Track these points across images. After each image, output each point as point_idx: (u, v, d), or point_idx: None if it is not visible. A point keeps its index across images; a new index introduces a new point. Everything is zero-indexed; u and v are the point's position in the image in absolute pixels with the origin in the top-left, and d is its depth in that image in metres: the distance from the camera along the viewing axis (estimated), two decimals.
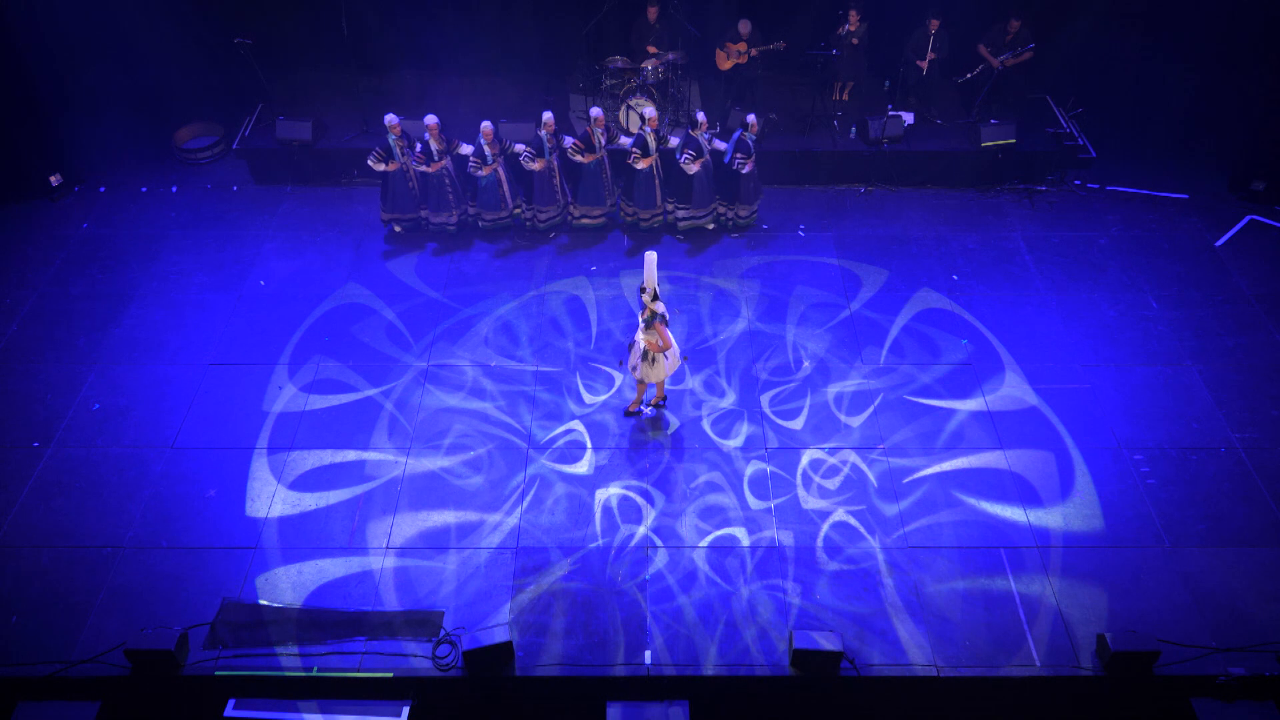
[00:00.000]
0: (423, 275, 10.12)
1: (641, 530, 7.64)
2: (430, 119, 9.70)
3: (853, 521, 7.71)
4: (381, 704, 6.66)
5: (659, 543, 7.55)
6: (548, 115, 9.85)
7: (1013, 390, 8.80)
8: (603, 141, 10.05)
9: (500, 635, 6.59)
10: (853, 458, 8.21)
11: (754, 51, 11.10)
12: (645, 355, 7.85)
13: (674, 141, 10.10)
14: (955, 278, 10.11)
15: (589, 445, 8.32)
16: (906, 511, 7.78)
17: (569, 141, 10.03)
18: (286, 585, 7.22)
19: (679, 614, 7.06)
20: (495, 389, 8.82)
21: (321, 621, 6.97)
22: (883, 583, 7.27)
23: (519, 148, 9.99)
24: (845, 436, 8.40)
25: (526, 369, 9.02)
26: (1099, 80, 11.88)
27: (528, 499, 7.87)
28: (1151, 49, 11.58)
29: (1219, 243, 10.55)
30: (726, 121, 11.39)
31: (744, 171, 10.01)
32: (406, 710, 6.63)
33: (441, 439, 8.34)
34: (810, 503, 7.85)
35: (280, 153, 11.28)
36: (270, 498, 7.85)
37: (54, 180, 11.04)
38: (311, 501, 7.84)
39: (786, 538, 7.58)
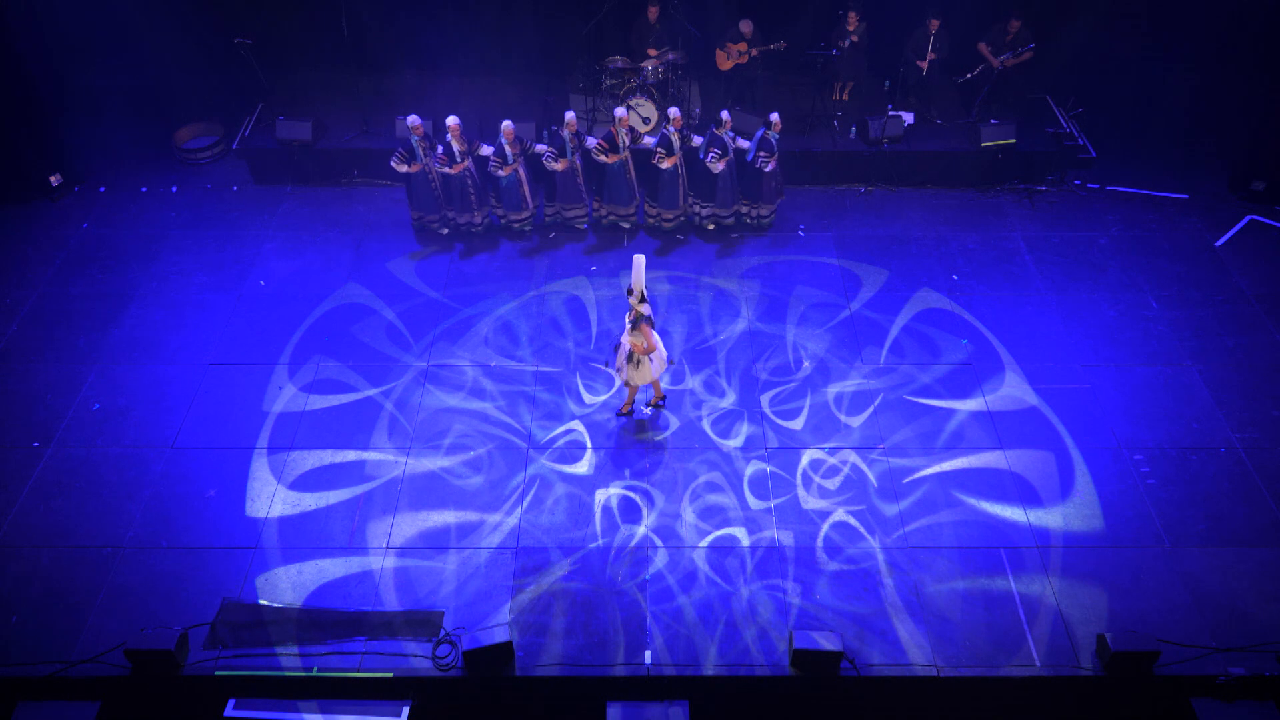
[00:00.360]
0: (423, 275, 10.12)
1: (641, 530, 7.64)
2: (452, 120, 9.71)
3: (853, 521, 7.71)
4: (381, 704, 6.66)
5: (659, 543, 7.55)
6: (570, 115, 9.87)
7: (1013, 390, 8.80)
8: (627, 141, 10.06)
9: (500, 635, 6.59)
10: (853, 458, 8.21)
11: (754, 52, 11.10)
12: (630, 358, 7.85)
13: (697, 141, 10.12)
14: (955, 278, 10.11)
15: (589, 445, 8.32)
16: (906, 511, 7.78)
17: (592, 142, 10.05)
18: (286, 585, 7.22)
19: (679, 614, 7.06)
20: (495, 389, 8.82)
21: (321, 621, 6.97)
22: (883, 583, 7.27)
23: (540, 148, 10.03)
24: (845, 436, 8.40)
25: (526, 369, 9.02)
26: (1099, 80, 11.88)
27: (528, 499, 7.87)
28: (1152, 49, 11.59)
29: (1219, 243, 10.55)
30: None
31: (766, 170, 10.04)
32: (406, 710, 6.63)
33: (441, 439, 8.34)
34: (810, 503, 7.85)
35: (280, 153, 11.28)
36: (270, 498, 7.85)
37: (54, 180, 11.04)
38: (311, 501, 7.84)
39: (786, 538, 7.58)
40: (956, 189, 11.44)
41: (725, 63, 11.37)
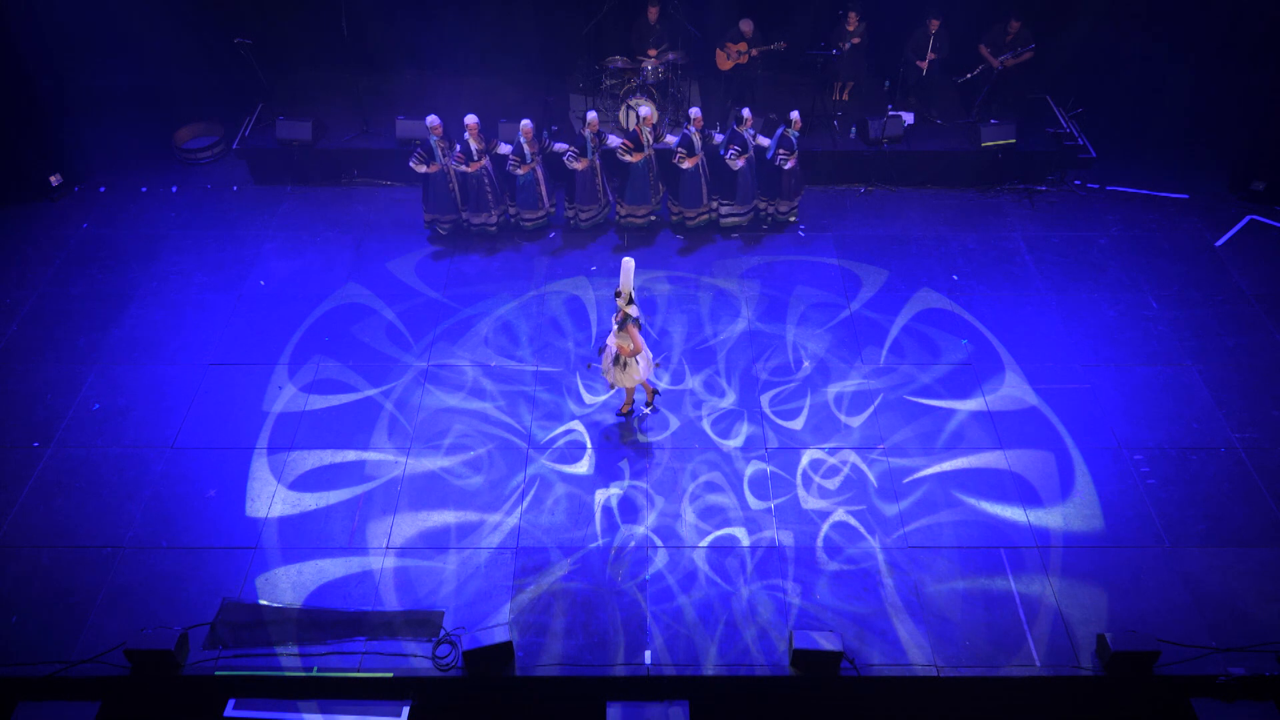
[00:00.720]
0: (423, 275, 10.12)
1: (641, 530, 7.64)
2: (470, 119, 9.72)
3: (853, 521, 7.71)
4: (381, 704, 6.66)
5: (659, 543, 7.55)
6: (592, 115, 9.90)
7: (1013, 390, 8.80)
8: (650, 140, 10.05)
9: (500, 635, 6.59)
10: (853, 458, 8.21)
11: (755, 52, 11.10)
12: (616, 359, 7.85)
13: (718, 139, 10.13)
14: (955, 278, 10.11)
15: (589, 445, 8.32)
16: (906, 511, 7.78)
17: (616, 141, 10.07)
18: (286, 585, 7.22)
19: (679, 614, 7.06)
20: (495, 389, 8.82)
21: (321, 621, 6.97)
22: (883, 583, 7.27)
23: (560, 146, 10.04)
24: (845, 436, 8.40)
25: (526, 369, 9.02)
26: (1099, 80, 11.88)
27: (528, 499, 7.87)
28: (1152, 49, 11.58)
29: (1219, 243, 10.55)
30: (727, 121, 11.39)
31: (786, 167, 10.08)
32: (406, 710, 6.63)
33: (441, 439, 8.34)
34: (810, 503, 7.85)
35: (280, 153, 11.28)
36: (270, 498, 7.85)
37: (54, 180, 11.04)
38: (311, 501, 7.84)
39: (786, 538, 7.58)
40: (956, 189, 11.44)
41: (725, 63, 11.37)
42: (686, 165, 10.03)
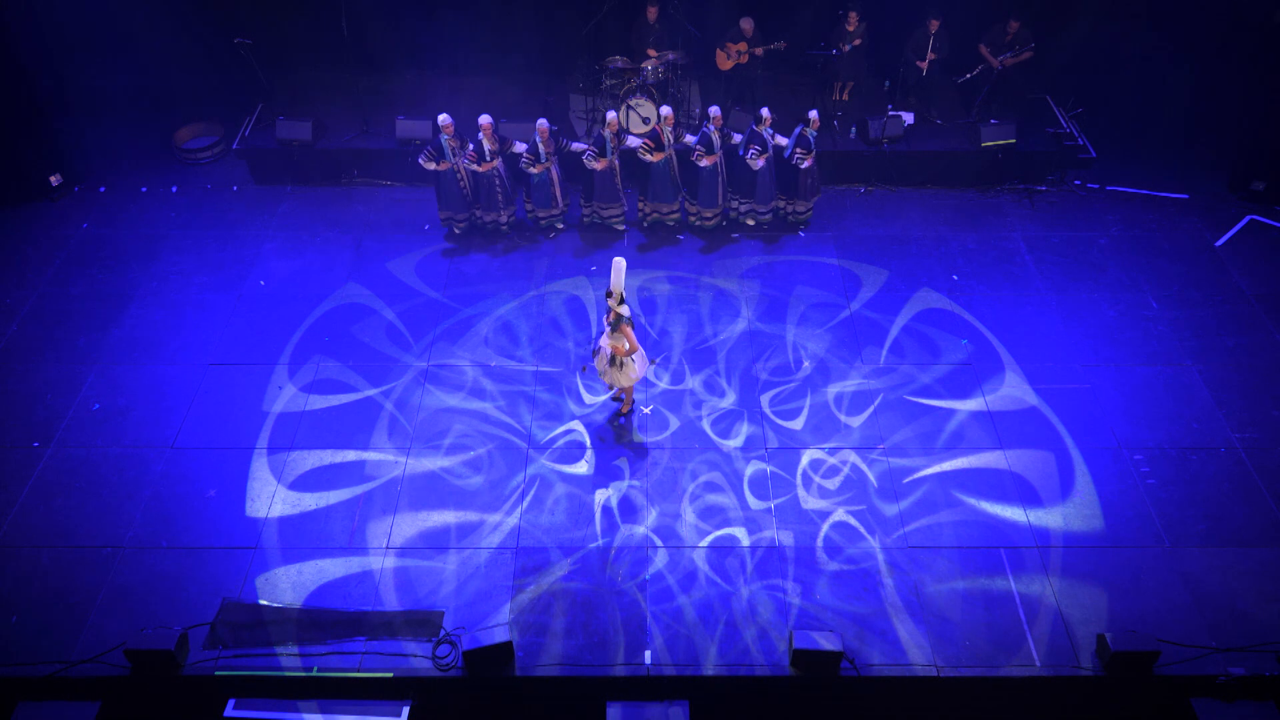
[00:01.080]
0: (423, 275, 10.12)
1: (641, 530, 7.64)
2: (484, 118, 9.72)
3: (853, 521, 7.71)
4: (381, 704, 6.66)
5: (659, 543, 7.55)
6: (612, 115, 9.90)
7: (1013, 390, 8.80)
8: (671, 140, 10.07)
9: (500, 635, 6.59)
10: (853, 458, 8.21)
11: (758, 50, 11.10)
12: (613, 360, 7.85)
13: (737, 138, 10.14)
14: (955, 278, 10.11)
15: (589, 445, 8.32)
16: (906, 511, 7.78)
17: (636, 142, 10.09)
18: (286, 585, 7.22)
19: (679, 614, 7.06)
20: (495, 389, 8.82)
21: (321, 621, 6.97)
22: (883, 583, 7.27)
23: (578, 146, 10.06)
24: (845, 436, 8.40)
25: (526, 369, 9.02)
26: (1099, 80, 11.88)
27: (528, 499, 7.87)
28: (1152, 49, 11.58)
29: (1219, 243, 10.55)
30: (727, 121, 11.38)
31: (803, 167, 10.08)
32: (406, 710, 6.63)
33: (441, 439, 8.34)
34: (810, 503, 7.85)
35: (280, 153, 11.28)
36: (270, 498, 7.85)
37: (54, 180, 11.03)
38: (311, 501, 7.84)
39: (786, 538, 7.58)
40: (956, 189, 11.44)
41: (725, 63, 11.37)
42: (705, 163, 10.03)
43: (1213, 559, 7.42)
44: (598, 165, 10.01)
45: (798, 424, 8.51)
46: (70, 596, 7.12)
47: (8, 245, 10.42)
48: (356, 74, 11.44)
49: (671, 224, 10.75)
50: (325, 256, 10.38)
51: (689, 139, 10.18)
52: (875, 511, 7.78)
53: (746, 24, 11.01)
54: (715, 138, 9.97)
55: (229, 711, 6.62)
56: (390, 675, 6.69)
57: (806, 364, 9.09)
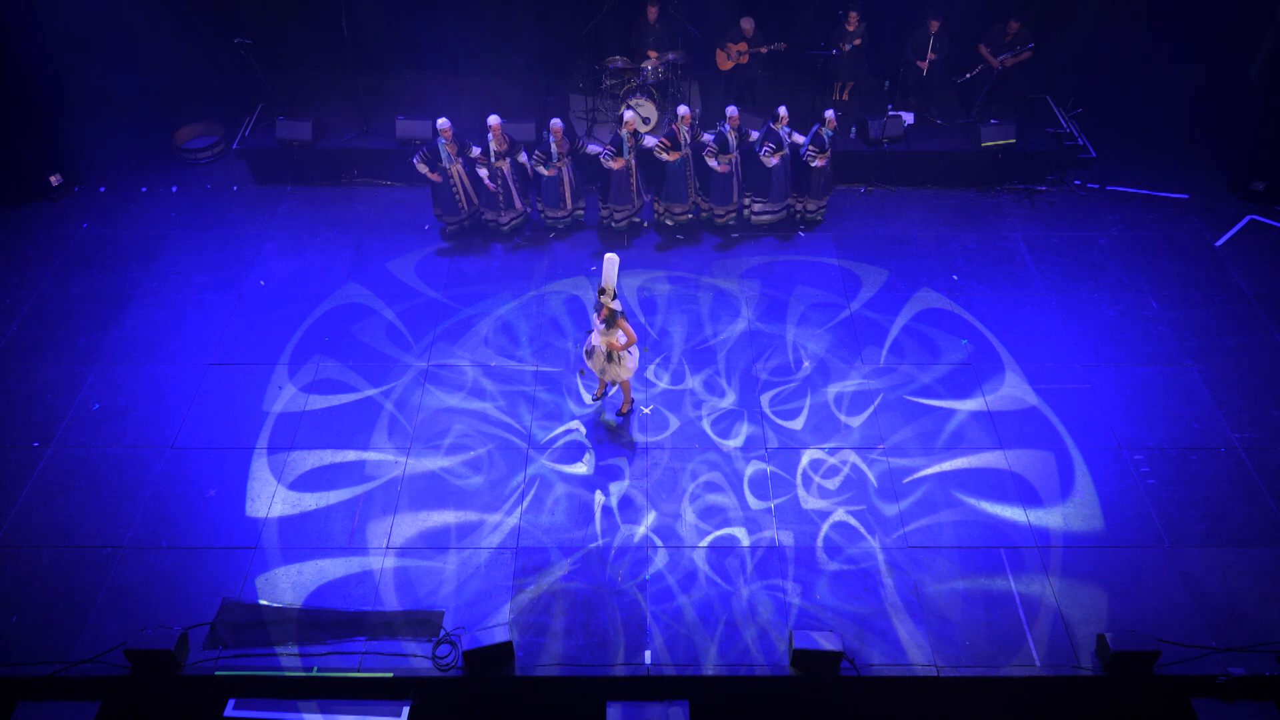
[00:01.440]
0: (423, 275, 10.12)
1: (641, 530, 7.64)
2: (494, 119, 9.73)
3: (853, 521, 7.71)
4: (381, 704, 6.66)
5: (659, 543, 7.55)
6: (629, 115, 9.89)
7: (1013, 390, 8.80)
8: (688, 139, 10.08)
9: (500, 635, 6.59)
10: (853, 458, 8.21)
11: (762, 49, 11.10)
12: (610, 355, 7.86)
13: (754, 136, 10.15)
14: (955, 278, 10.11)
15: (589, 445, 8.32)
16: (906, 511, 7.77)
17: (653, 141, 10.10)
18: (286, 585, 7.22)
19: (679, 614, 7.06)
20: (495, 389, 8.82)
21: (321, 621, 6.97)
22: (883, 583, 7.27)
23: (594, 148, 10.08)
24: (845, 436, 8.39)
25: (526, 369, 9.02)
26: (1099, 80, 11.88)
27: (528, 499, 7.86)
28: (1152, 49, 11.58)
29: (1219, 243, 10.55)
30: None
31: (814, 165, 10.10)
32: (406, 710, 6.63)
33: (441, 439, 8.34)
34: (810, 503, 7.85)
35: (280, 153, 11.28)
36: (270, 498, 7.85)
37: (54, 180, 11.04)
38: (311, 501, 7.84)
39: (786, 538, 7.58)
40: (956, 189, 11.44)
41: (725, 63, 11.38)
42: (716, 164, 10.05)
43: (1213, 559, 7.42)
44: (615, 165, 10.02)
45: (798, 424, 8.51)
46: (70, 596, 7.12)
47: (8, 245, 10.42)
48: (356, 74, 11.44)
49: (682, 223, 10.74)
50: (325, 256, 10.38)
51: (706, 137, 10.17)
52: (875, 511, 7.78)
53: (747, 24, 11.01)
54: (731, 137, 9.98)
55: (229, 711, 6.62)
56: (390, 675, 6.69)
57: (806, 364, 9.09)
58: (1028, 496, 7.89)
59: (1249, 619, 7.02)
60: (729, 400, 8.73)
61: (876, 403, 8.68)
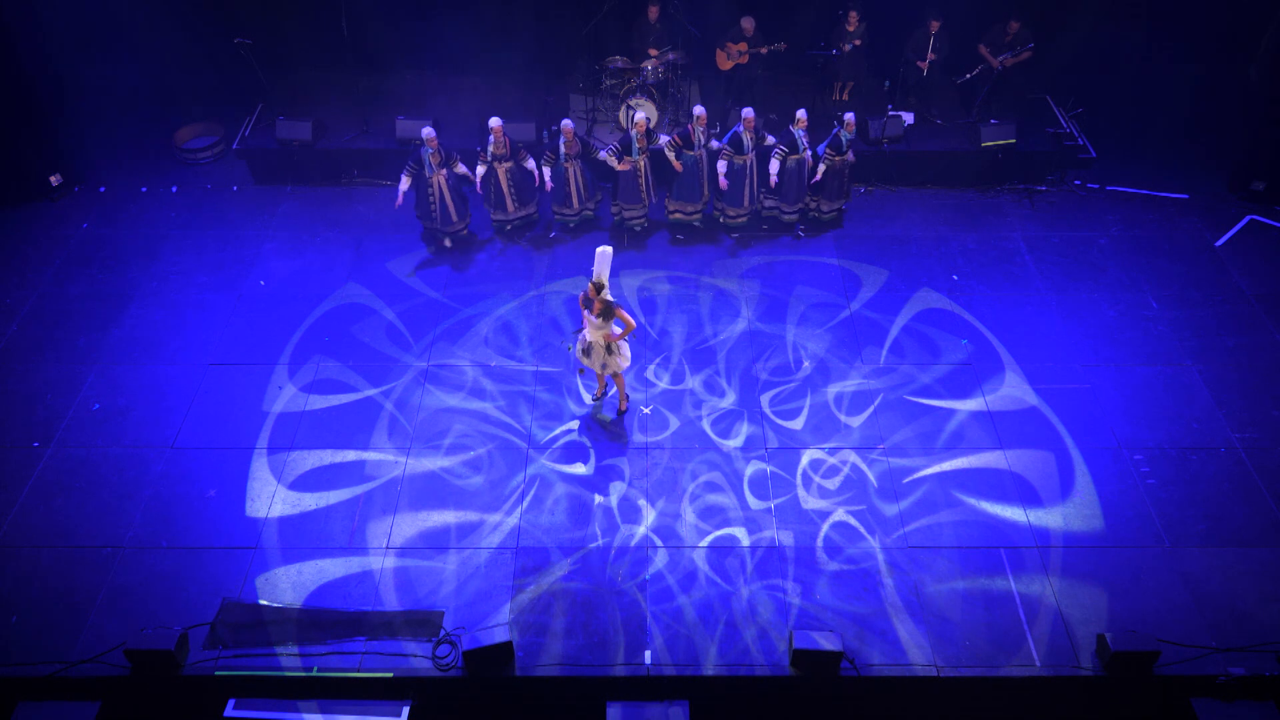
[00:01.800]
0: (423, 275, 10.12)
1: (641, 530, 7.64)
2: (495, 121, 9.74)
3: (853, 521, 7.71)
4: (381, 704, 6.66)
5: (659, 543, 7.55)
6: (640, 116, 9.88)
7: (1013, 390, 8.80)
8: (703, 140, 10.08)
9: (500, 635, 6.58)
10: (853, 458, 8.21)
11: (763, 50, 11.10)
12: (609, 348, 7.87)
13: (771, 140, 10.17)
14: (955, 278, 10.11)
15: (589, 445, 8.32)
16: (906, 511, 7.77)
17: (665, 140, 10.13)
18: (286, 585, 7.22)
19: (679, 614, 7.06)
20: (495, 389, 8.82)
21: (321, 621, 6.97)
22: (883, 583, 7.27)
23: (604, 155, 10.08)
24: (845, 436, 8.40)
25: (526, 369, 9.02)
26: (1099, 80, 11.88)
27: (528, 499, 7.86)
28: (1152, 49, 11.59)
29: (1219, 243, 10.55)
30: (726, 121, 11.39)
31: (821, 168, 10.13)
32: (406, 710, 6.63)
33: (441, 439, 8.34)
34: (810, 503, 7.85)
35: (280, 153, 11.28)
36: (270, 498, 7.85)
37: (54, 180, 11.03)
38: (311, 501, 7.84)
39: (786, 538, 7.58)
40: (956, 189, 11.44)
41: (725, 63, 11.37)
42: (733, 165, 10.07)
43: (1213, 559, 7.42)
44: (621, 166, 10.05)
45: (798, 424, 8.51)
46: (70, 596, 7.12)
47: (8, 245, 10.42)
48: (356, 74, 11.45)
49: (694, 224, 10.74)
50: (325, 256, 10.38)
51: (715, 145, 10.15)
52: (875, 511, 7.78)
53: (747, 24, 11.00)
54: (746, 139, 9.97)
55: (229, 711, 6.62)
56: (390, 675, 6.69)
57: (806, 364, 9.09)
58: (1028, 496, 7.89)
59: (1249, 619, 7.02)
60: (729, 400, 8.73)
61: (876, 403, 8.68)
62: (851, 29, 11.09)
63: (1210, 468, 8.10)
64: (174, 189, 11.35)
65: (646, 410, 8.62)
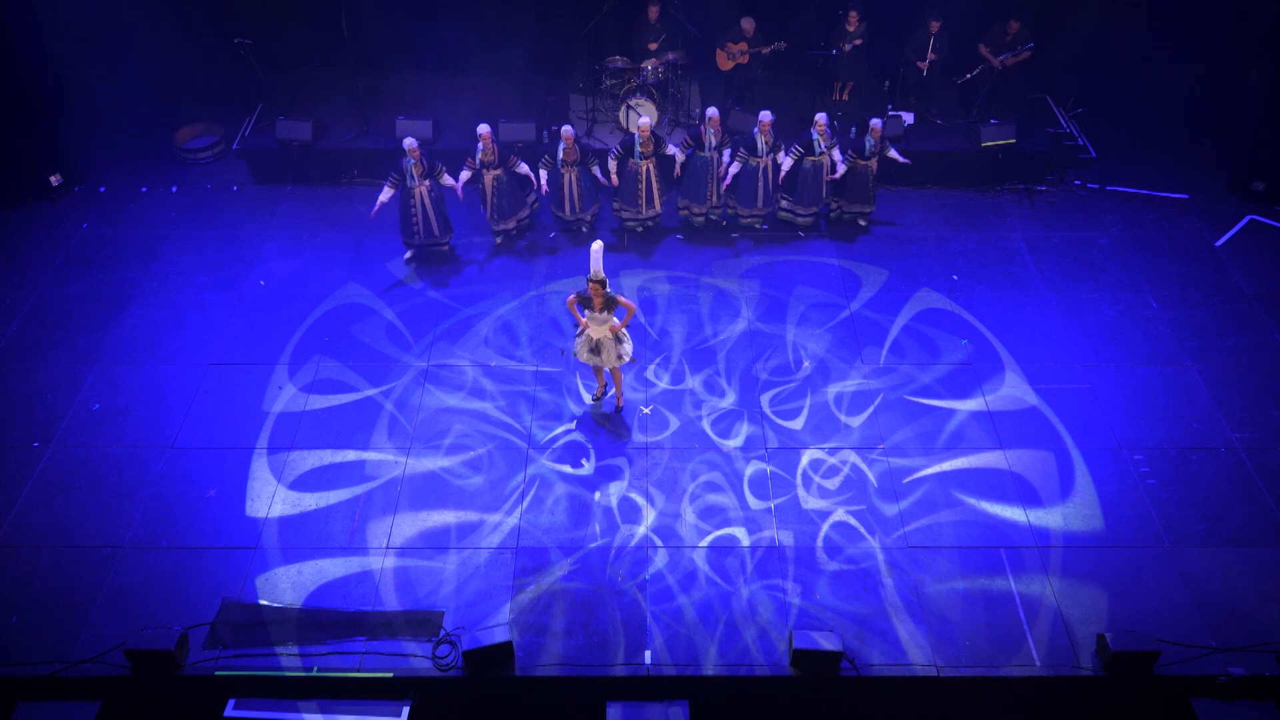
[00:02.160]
0: (423, 275, 10.12)
1: (641, 530, 7.64)
2: (483, 128, 9.68)
3: (853, 521, 7.71)
4: (381, 704, 6.66)
5: (659, 543, 7.55)
6: (644, 120, 9.85)
7: (1013, 390, 8.80)
8: (714, 142, 10.08)
9: (500, 635, 6.58)
10: (853, 458, 8.21)
11: (763, 50, 11.10)
12: (618, 338, 7.91)
13: (782, 156, 10.18)
14: (955, 278, 10.11)
15: (589, 445, 8.32)
16: (906, 511, 7.77)
17: (674, 149, 10.17)
18: (286, 585, 7.22)
19: (679, 614, 7.06)
20: (495, 389, 8.82)
21: (321, 621, 6.97)
22: (883, 583, 7.27)
23: (608, 169, 10.09)
24: (845, 436, 8.40)
25: (526, 369, 9.02)
26: (1099, 80, 11.88)
27: (528, 499, 7.87)
28: (1152, 49, 11.58)
29: (1219, 243, 10.55)
30: (726, 121, 11.38)
31: (839, 169, 10.12)
32: (406, 710, 6.63)
33: (441, 439, 8.34)
34: (810, 503, 7.85)
35: (280, 153, 11.29)
36: (270, 498, 7.85)
37: (54, 180, 11.04)
38: (311, 501, 7.84)
39: (786, 538, 7.58)
40: (956, 189, 11.44)
41: (725, 63, 11.38)
42: (746, 166, 10.09)
43: (1213, 559, 7.42)
44: (614, 177, 10.10)
45: (798, 424, 8.51)
46: (70, 596, 7.12)
47: (8, 245, 10.42)
48: (356, 74, 11.44)
49: (703, 224, 10.74)
50: (325, 256, 10.38)
51: (726, 159, 10.12)
52: (875, 511, 7.78)
53: (747, 24, 11.00)
54: (761, 142, 9.95)
55: (229, 711, 6.61)
56: (390, 675, 6.69)
57: (806, 364, 9.09)
58: (1028, 496, 7.89)
59: (1249, 619, 7.02)
60: (729, 400, 8.73)
61: (876, 403, 8.68)
62: (851, 29, 11.09)
63: (1210, 468, 8.10)
64: (174, 189, 11.36)
65: (646, 410, 8.62)
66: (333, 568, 7.35)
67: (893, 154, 10.27)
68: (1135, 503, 7.84)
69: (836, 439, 8.37)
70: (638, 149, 9.93)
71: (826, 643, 6.57)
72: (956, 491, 7.92)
